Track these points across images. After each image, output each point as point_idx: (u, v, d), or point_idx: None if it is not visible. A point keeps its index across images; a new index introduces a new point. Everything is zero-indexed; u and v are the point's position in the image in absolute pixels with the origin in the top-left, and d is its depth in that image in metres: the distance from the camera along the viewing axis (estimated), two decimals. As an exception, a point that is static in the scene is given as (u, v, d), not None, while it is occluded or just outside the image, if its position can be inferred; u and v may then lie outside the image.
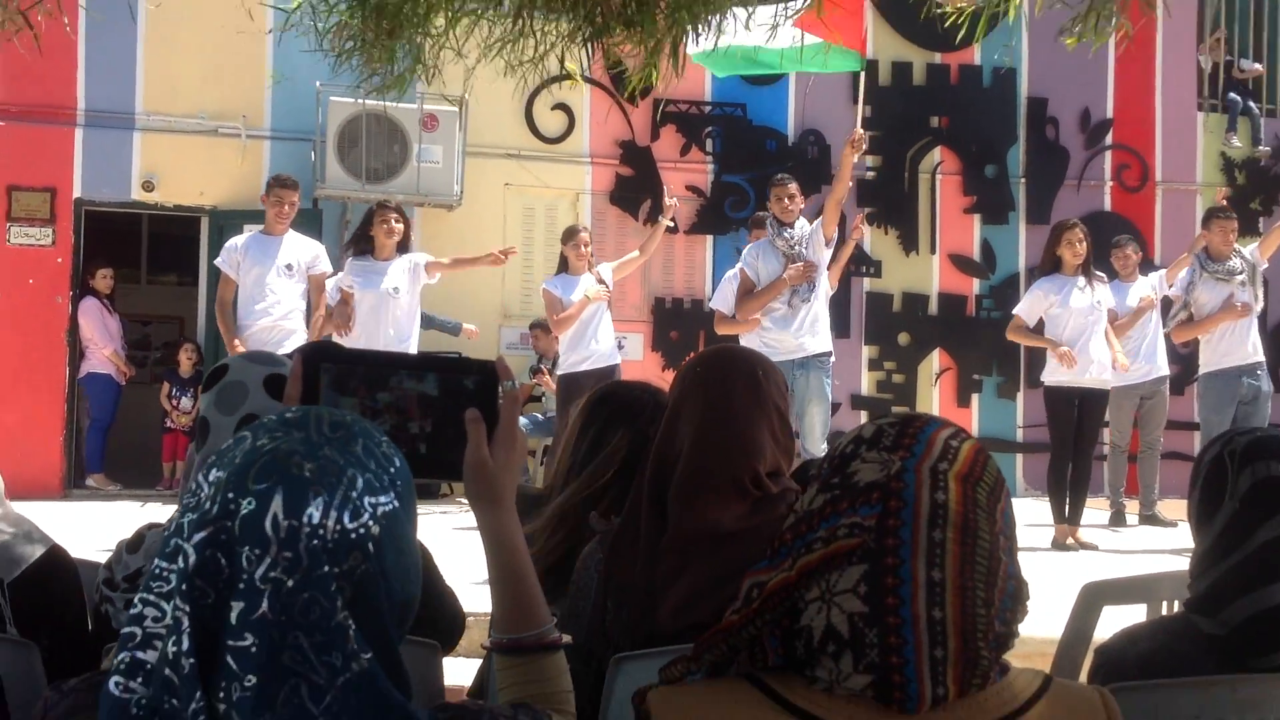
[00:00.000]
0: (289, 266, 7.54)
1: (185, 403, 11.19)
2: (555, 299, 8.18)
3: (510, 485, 1.52)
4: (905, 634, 1.20)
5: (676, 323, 11.21)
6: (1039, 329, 8.07)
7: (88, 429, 10.68)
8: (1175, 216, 12.01)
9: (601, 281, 8.21)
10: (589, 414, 2.79)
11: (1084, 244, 7.85)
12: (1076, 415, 7.88)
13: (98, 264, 10.82)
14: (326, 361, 1.54)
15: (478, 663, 2.77)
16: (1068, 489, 7.89)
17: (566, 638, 1.55)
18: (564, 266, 8.37)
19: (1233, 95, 12.25)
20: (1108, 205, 12.06)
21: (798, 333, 7.38)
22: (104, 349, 10.62)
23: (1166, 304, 8.77)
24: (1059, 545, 7.82)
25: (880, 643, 1.20)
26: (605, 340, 8.27)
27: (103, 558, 2.37)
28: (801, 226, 7.56)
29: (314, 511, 1.14)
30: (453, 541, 6.65)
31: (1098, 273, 7.99)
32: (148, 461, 11.30)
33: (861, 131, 7.46)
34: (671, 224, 8.64)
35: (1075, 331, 7.81)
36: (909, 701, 1.21)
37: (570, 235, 8.40)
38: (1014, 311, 8.27)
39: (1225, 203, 9.46)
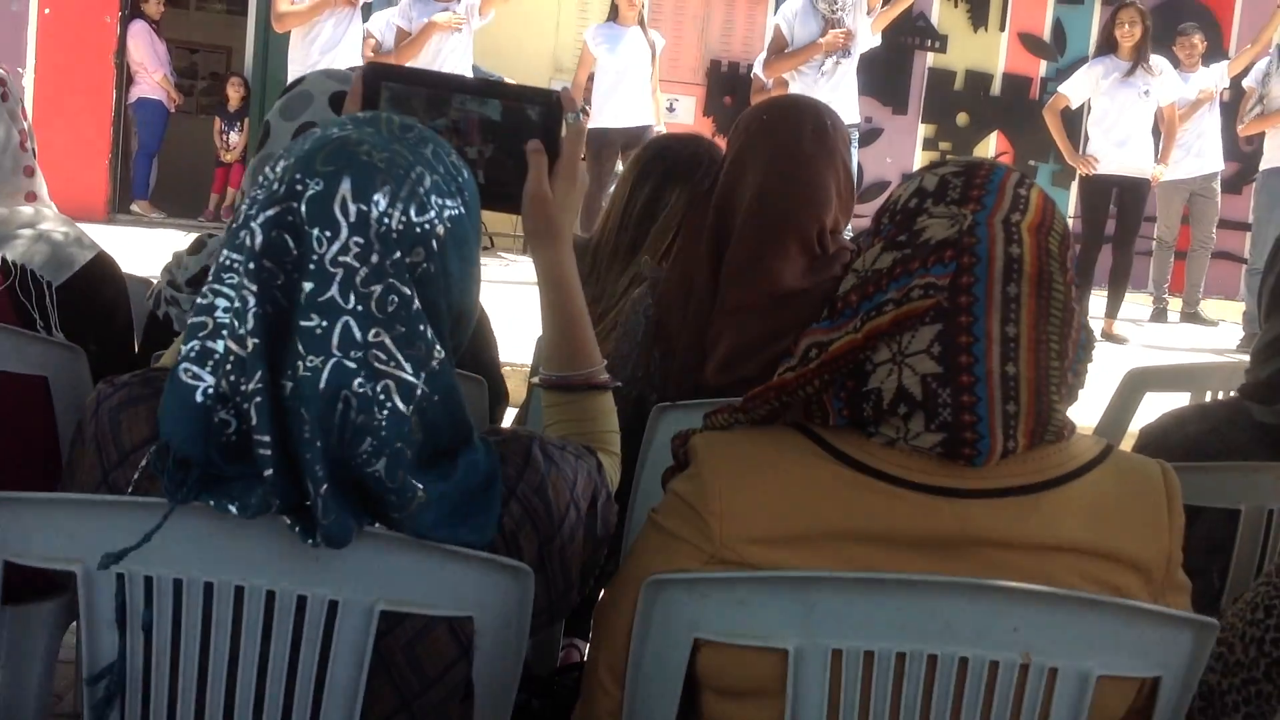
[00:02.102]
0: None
1: (233, 137, 11.15)
2: (587, 55, 7.97)
3: (569, 221, 1.48)
4: (979, 391, 1.18)
5: (732, 87, 10.95)
6: (1079, 114, 7.81)
7: (135, 155, 10.68)
8: (1255, 5, 11.47)
9: (651, 44, 7.97)
10: (642, 169, 2.72)
11: (1139, 26, 7.50)
12: (1116, 206, 7.71)
13: (149, -13, 10.64)
14: (388, 80, 1.49)
15: (515, 411, 2.78)
16: (1093, 281, 7.78)
17: (616, 381, 1.54)
18: (614, 14, 8.13)
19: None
20: (1188, -10, 11.57)
21: (826, 101, 7.17)
22: (154, 73, 10.52)
23: (1235, 97, 8.46)
24: None
25: (954, 401, 1.18)
26: (640, 99, 8.08)
27: (148, 276, 2.37)
28: None
29: (381, 199, 1.13)
30: (498, 294, 6.70)
31: (1159, 59, 7.68)
32: (192, 191, 11.33)
33: None
34: None
35: (1119, 119, 7.57)
36: (978, 456, 1.19)
37: None
38: (1059, 89, 8.00)
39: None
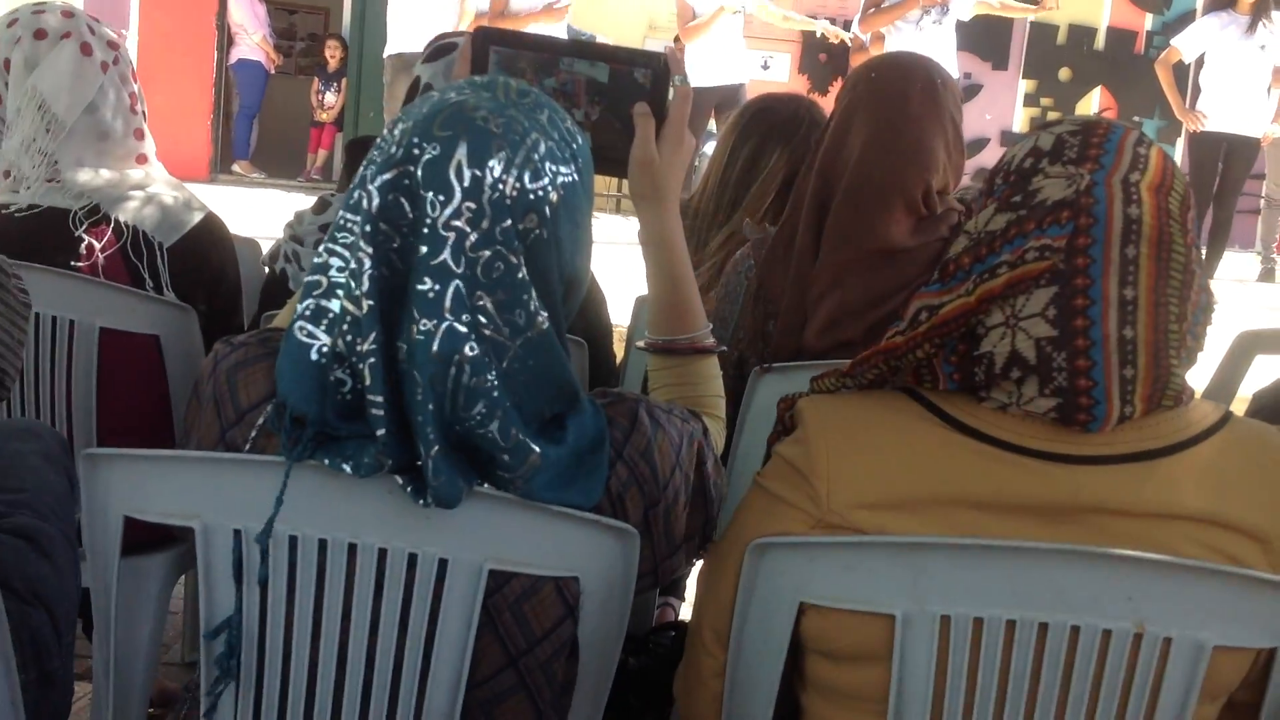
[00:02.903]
0: None
1: (329, 97, 11.27)
2: (686, 6, 7.92)
3: (676, 185, 1.48)
4: (1095, 355, 1.15)
5: (827, 45, 10.79)
6: (1188, 69, 7.60)
7: (236, 115, 10.85)
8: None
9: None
10: (743, 130, 2.70)
11: None
12: (1222, 163, 7.50)
13: (248, -50, 10.76)
14: (497, 44, 1.50)
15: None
16: (1203, 239, 7.61)
17: (721, 345, 1.54)
18: None
19: None
20: (1306, -60, 11.16)
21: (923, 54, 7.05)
22: (254, 35, 10.66)
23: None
24: None
25: (1069, 365, 1.16)
26: (734, 56, 8.01)
27: (255, 237, 2.41)
28: None
29: (496, 165, 1.14)
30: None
31: (1277, 13, 7.44)
32: (291, 151, 11.49)
33: None
34: None
35: (1234, 75, 7.34)
36: (1094, 422, 1.17)
37: None
38: (1172, 42, 7.79)
39: None
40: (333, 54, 11.24)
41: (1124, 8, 11.15)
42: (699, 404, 1.45)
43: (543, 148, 1.18)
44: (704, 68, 8.01)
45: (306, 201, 2.08)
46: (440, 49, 1.95)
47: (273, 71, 11.11)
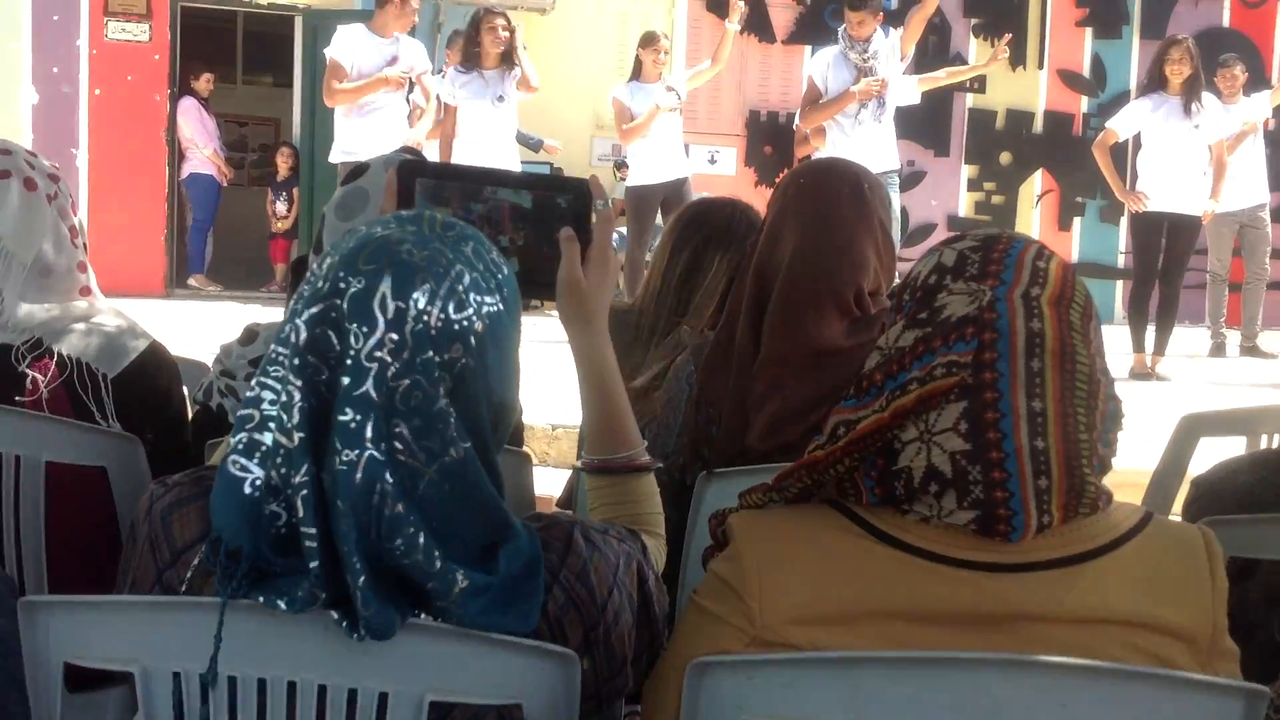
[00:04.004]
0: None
1: (280, 206, 11.32)
2: (624, 107, 8.09)
3: (603, 306, 1.51)
4: (1009, 467, 1.18)
5: (771, 137, 11.00)
6: (1126, 149, 7.78)
7: (190, 230, 10.88)
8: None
9: (672, 90, 8.07)
10: (680, 235, 2.74)
11: (1189, 63, 7.49)
12: (1165, 242, 7.65)
13: (197, 66, 10.87)
14: (422, 176, 1.54)
15: (567, 473, 2.81)
16: (1150, 318, 7.71)
17: (657, 462, 1.56)
18: (638, 72, 8.24)
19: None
20: (1226, 20, 11.50)
21: (864, 148, 7.20)
22: (205, 149, 10.73)
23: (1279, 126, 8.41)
24: (1136, 374, 7.69)
25: (984, 478, 1.19)
26: (674, 152, 8.17)
27: (203, 356, 2.41)
28: (878, 39, 7.31)
29: (420, 297, 1.16)
30: (541, 353, 6.74)
31: (1207, 94, 7.64)
32: (248, 263, 11.52)
33: None
34: (738, 27, 8.39)
35: (1170, 155, 7.52)
36: (1013, 532, 1.20)
37: (649, 41, 8.25)
38: (1107, 125, 7.98)
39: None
40: (284, 162, 11.30)
41: (1060, 91, 11.42)
42: (638, 521, 1.47)
43: (467, 279, 1.20)
44: (647, 165, 8.14)
45: (267, 313, 2.10)
46: (353, 172, 1.99)
47: (225, 184, 11.17)
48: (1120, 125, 7.78)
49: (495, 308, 1.22)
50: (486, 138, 7.67)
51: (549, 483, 3.21)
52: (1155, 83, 7.68)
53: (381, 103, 7.42)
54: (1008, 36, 8.23)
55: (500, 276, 1.25)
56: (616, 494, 1.49)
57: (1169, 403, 5.99)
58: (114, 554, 2.00)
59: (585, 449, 1.52)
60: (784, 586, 1.23)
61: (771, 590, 1.23)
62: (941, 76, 8.08)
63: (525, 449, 2.13)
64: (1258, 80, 9.78)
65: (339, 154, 7.52)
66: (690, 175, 8.38)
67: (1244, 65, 8.83)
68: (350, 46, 7.37)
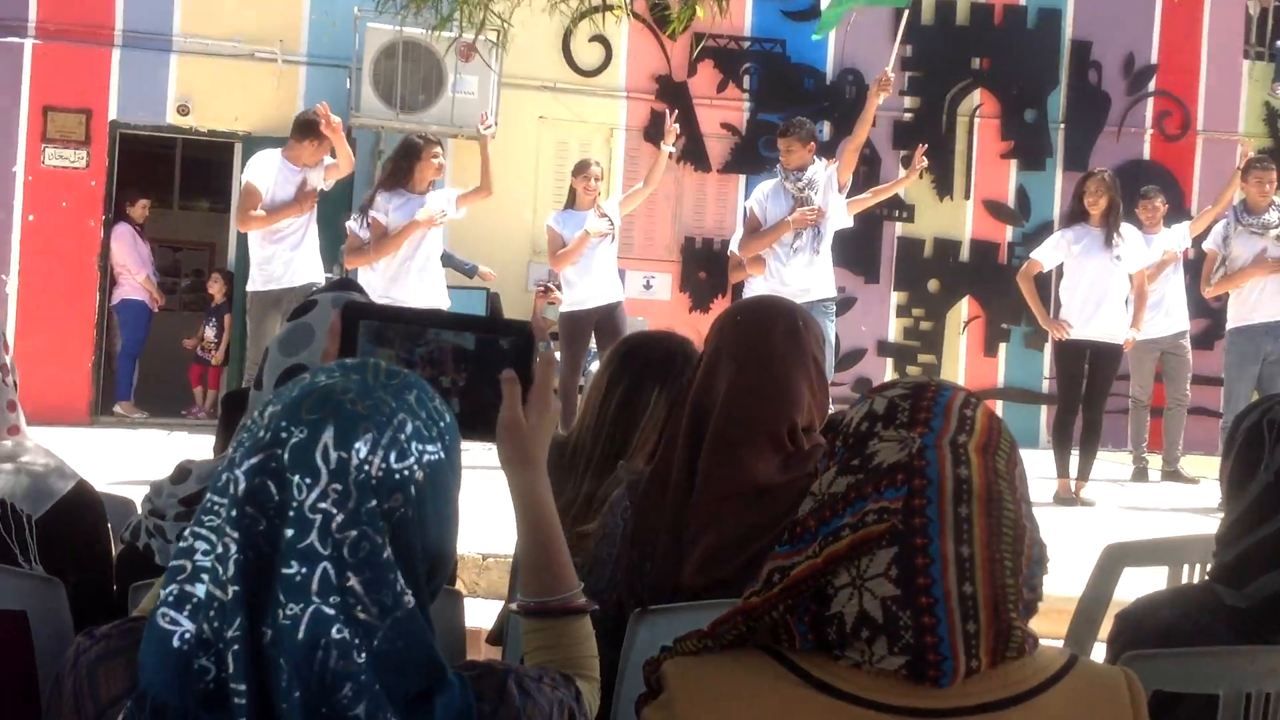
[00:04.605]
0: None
1: (209, 331, 11.25)
2: (556, 235, 8.21)
3: (543, 448, 1.53)
4: (938, 613, 1.21)
5: (706, 263, 11.16)
6: (1049, 278, 7.98)
7: (118, 356, 10.76)
8: (1215, 166, 11.80)
9: (605, 216, 8.21)
10: (617, 368, 2.77)
11: (1106, 195, 7.72)
12: (1088, 369, 7.82)
13: (133, 192, 10.86)
14: (365, 318, 1.55)
15: (498, 604, 2.79)
16: (1074, 444, 7.85)
17: (593, 605, 1.56)
18: (572, 200, 8.37)
19: (1279, 43, 12.03)
20: (1147, 154, 11.89)
21: (802, 276, 7.34)
22: (137, 275, 10.67)
23: (1200, 255, 8.67)
24: (1060, 499, 7.79)
25: (914, 623, 1.21)
26: (608, 277, 8.27)
27: (128, 488, 2.39)
28: (815, 170, 7.49)
29: (362, 446, 1.17)
30: (472, 482, 6.70)
31: (1126, 225, 7.88)
32: (174, 390, 11.40)
33: (889, 72, 7.43)
34: (673, 149, 8.57)
35: (1092, 285, 7.73)
36: (943, 677, 1.21)
37: (581, 169, 8.40)
38: (1031, 255, 8.19)
39: (1261, 154, 9.32)
40: (217, 288, 11.26)
41: (985, 221, 11.70)
42: (573, 665, 1.47)
43: (409, 427, 1.21)
44: (580, 290, 8.22)
45: (190, 441, 2.08)
46: (302, 307, 2.00)
47: (156, 310, 11.10)
48: (1043, 256, 7.98)
49: (436, 456, 1.23)
50: (418, 259, 7.71)
51: (480, 615, 3.18)
52: (1077, 214, 7.91)
53: (294, 228, 7.47)
54: (923, 147, 8.47)
55: (443, 424, 1.26)
56: (552, 637, 1.49)
57: (1093, 528, 6.07)
58: (31, 700, 1.96)
59: (520, 590, 1.53)
60: None
61: None
62: (868, 197, 8.30)
63: (456, 583, 2.12)
64: (1178, 211, 10.10)
65: (254, 282, 7.54)
66: (623, 300, 8.48)
67: (1164, 197, 9.14)
68: (266, 173, 7.44)
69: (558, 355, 8.34)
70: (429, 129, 9.08)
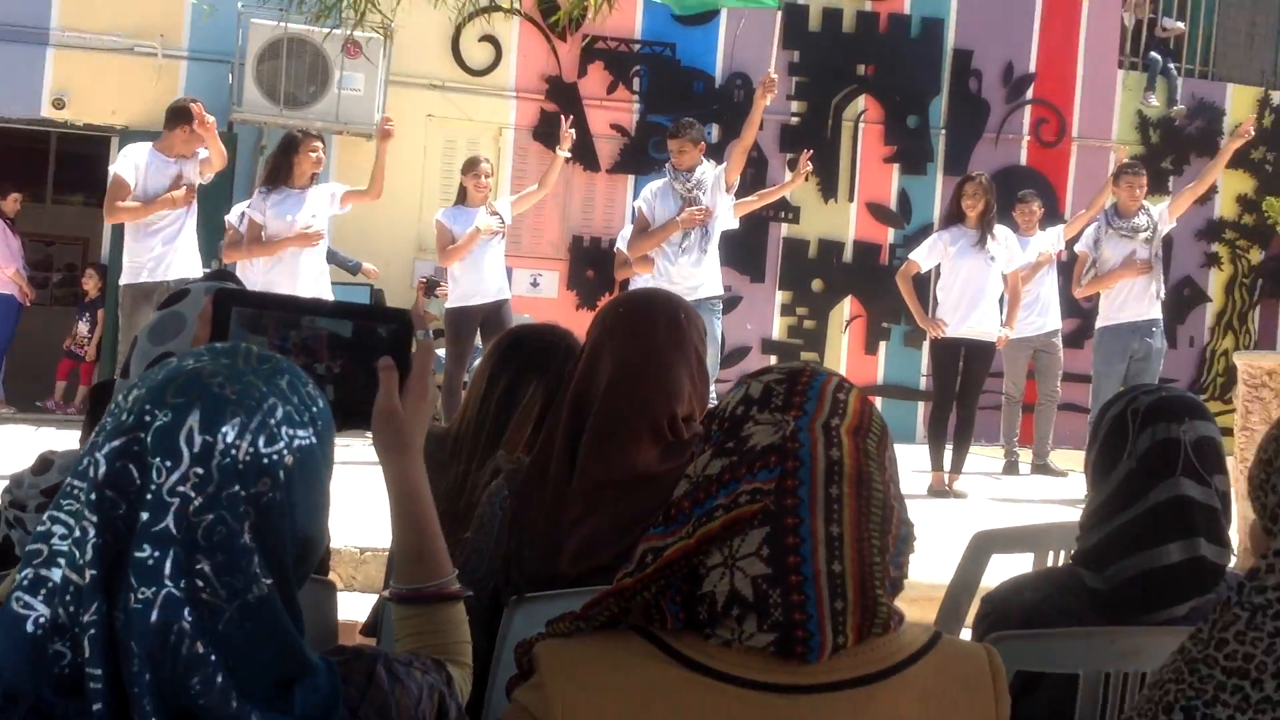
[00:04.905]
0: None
1: (82, 326, 10.98)
2: (445, 230, 8.17)
3: (419, 436, 1.52)
4: (807, 590, 1.23)
5: (594, 261, 11.18)
6: (928, 278, 8.15)
7: (-15, 350, 10.45)
8: (1089, 173, 12.17)
9: (496, 214, 8.20)
10: (499, 361, 2.77)
11: (983, 198, 7.91)
12: (962, 366, 8.01)
13: (5, 185, 10.55)
14: (238, 304, 1.53)
15: (374, 598, 2.77)
16: (948, 438, 8.03)
17: (468, 591, 1.57)
18: (462, 197, 8.35)
19: (1153, 54, 12.43)
20: (1024, 160, 12.20)
21: (689, 275, 7.41)
22: (6, 269, 10.37)
23: (1074, 258, 8.93)
24: (934, 491, 7.96)
25: (784, 601, 1.23)
26: (495, 274, 8.26)
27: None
28: (703, 170, 7.56)
29: (229, 431, 1.15)
30: (350, 476, 6.64)
31: (1001, 227, 8.09)
32: (43, 385, 11.10)
33: (773, 75, 7.52)
34: (568, 155, 8.59)
35: (967, 284, 7.92)
36: (810, 654, 1.24)
37: (471, 166, 8.38)
38: (910, 255, 8.37)
39: (1132, 160, 9.63)
40: (90, 283, 10.98)
41: (868, 223, 11.90)
42: (445, 651, 1.47)
43: (280, 412, 1.20)
44: (467, 287, 8.19)
45: (59, 435, 2.03)
46: (174, 296, 1.97)
47: (26, 304, 10.78)
48: (921, 257, 8.16)
49: (307, 441, 1.22)
50: (298, 260, 7.60)
51: (357, 608, 3.16)
52: (954, 216, 8.10)
53: (169, 222, 7.31)
54: (808, 152, 8.62)
55: (315, 409, 1.25)
56: (425, 623, 1.49)
57: (965, 519, 6.22)
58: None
59: (394, 577, 1.52)
60: (588, 714, 1.25)
61: (575, 718, 1.25)
62: (754, 200, 8.42)
63: (331, 575, 2.10)
64: (1053, 215, 10.38)
65: (127, 274, 7.37)
66: (510, 298, 8.46)
67: (1040, 201, 9.41)
68: (136, 165, 7.27)
69: (441, 352, 8.30)
70: (313, 126, 8.96)
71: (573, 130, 8.48)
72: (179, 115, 7.33)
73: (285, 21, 9.06)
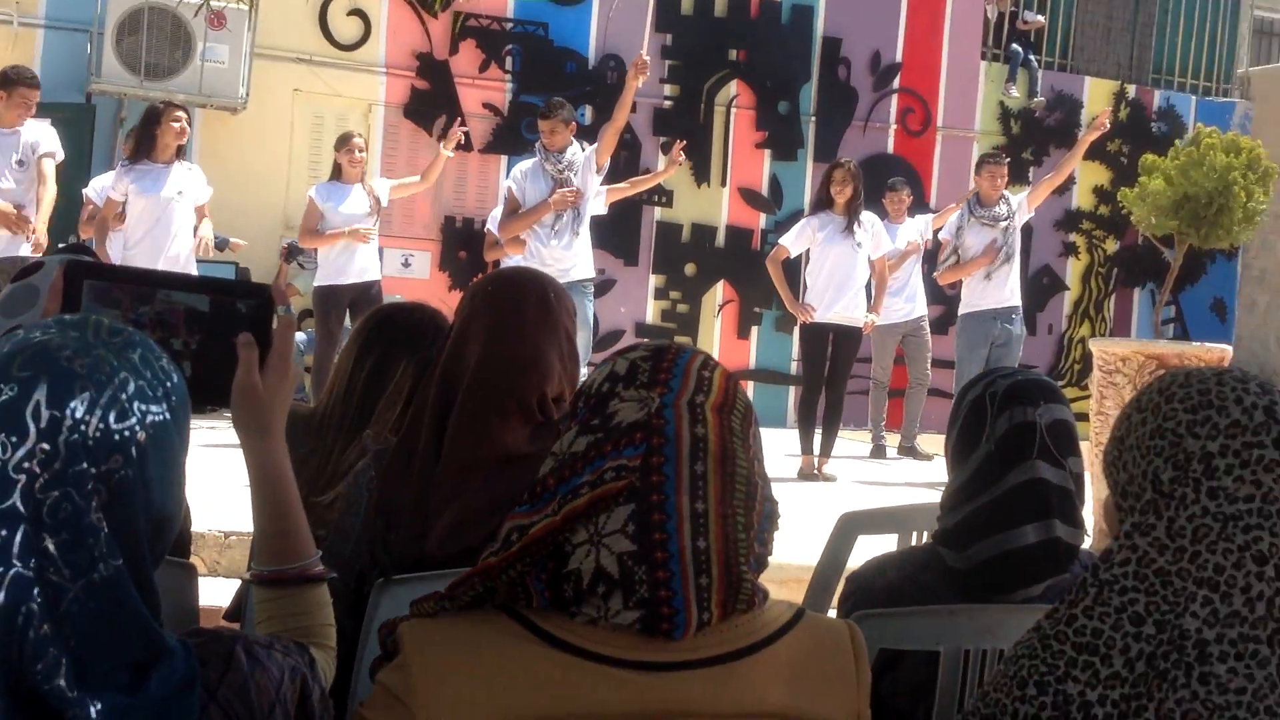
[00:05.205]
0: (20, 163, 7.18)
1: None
2: (314, 209, 8.06)
3: (280, 414, 1.49)
4: (672, 567, 1.24)
5: (466, 242, 11.08)
6: (798, 263, 8.30)
7: None
8: (953, 162, 12.45)
9: (372, 193, 8.12)
10: (367, 339, 2.73)
11: (851, 185, 8.02)
12: (830, 351, 8.14)
13: None
14: (91, 278, 1.48)
15: (239, 583, 2.72)
16: (817, 422, 8.16)
17: (331, 573, 1.54)
18: (337, 174, 8.23)
19: (1015, 46, 12.75)
20: (891, 148, 12.41)
21: (561, 257, 7.39)
22: None
23: (937, 247, 9.14)
24: (804, 475, 8.08)
25: (649, 578, 1.23)
26: (366, 253, 8.17)
27: None
28: (574, 152, 7.55)
29: (78, 406, 1.12)
30: (214, 458, 6.51)
31: (868, 214, 8.22)
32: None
33: (645, 56, 7.53)
34: (450, 154, 8.53)
35: (835, 270, 8.04)
36: (675, 630, 1.24)
37: (343, 142, 8.28)
38: (779, 241, 8.47)
39: (995, 150, 9.88)
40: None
41: (740, 208, 12.00)
42: (308, 634, 1.44)
43: (132, 386, 1.16)
44: (336, 266, 8.07)
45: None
46: (25, 269, 1.90)
47: None
48: (790, 242, 8.25)
49: (161, 417, 1.19)
50: (161, 231, 7.42)
51: (221, 593, 3.09)
52: (823, 203, 8.20)
53: (13, 197, 7.08)
54: (681, 142, 8.69)
55: (169, 384, 1.21)
56: (287, 606, 1.46)
57: (834, 502, 6.33)
58: None
59: (255, 559, 1.49)
60: (453, 694, 1.24)
61: (440, 699, 1.23)
62: (625, 187, 8.43)
63: (193, 559, 2.05)
64: (919, 203, 10.59)
65: None
66: (381, 278, 8.35)
67: (910, 190, 9.58)
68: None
69: (310, 333, 8.17)
70: (176, 98, 8.71)
71: (464, 131, 8.40)
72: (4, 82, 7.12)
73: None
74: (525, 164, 7.77)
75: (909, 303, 9.35)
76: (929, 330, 9.67)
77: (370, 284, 8.12)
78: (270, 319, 1.51)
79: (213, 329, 1.49)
